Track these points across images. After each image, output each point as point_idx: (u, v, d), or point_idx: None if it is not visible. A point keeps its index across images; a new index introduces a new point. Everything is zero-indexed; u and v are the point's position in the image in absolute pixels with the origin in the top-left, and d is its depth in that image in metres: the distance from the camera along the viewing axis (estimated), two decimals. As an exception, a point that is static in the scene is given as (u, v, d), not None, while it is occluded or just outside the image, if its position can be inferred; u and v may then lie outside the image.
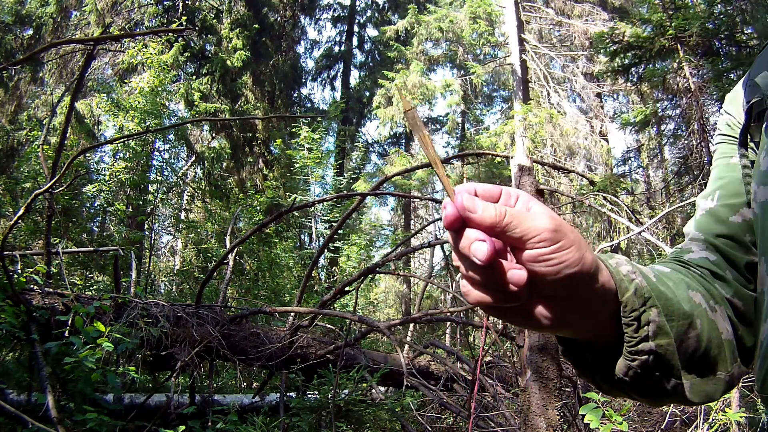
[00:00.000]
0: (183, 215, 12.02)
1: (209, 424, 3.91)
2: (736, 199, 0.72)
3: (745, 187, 0.70)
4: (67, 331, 3.54)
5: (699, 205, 0.76)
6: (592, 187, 7.73)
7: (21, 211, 3.66)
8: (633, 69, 8.95)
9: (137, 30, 10.75)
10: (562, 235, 0.48)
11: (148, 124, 8.40)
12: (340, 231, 8.05)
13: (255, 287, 9.12)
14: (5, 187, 8.50)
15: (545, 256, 0.47)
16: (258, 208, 10.08)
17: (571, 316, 0.52)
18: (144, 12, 11.37)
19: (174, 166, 10.53)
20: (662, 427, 4.25)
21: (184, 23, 11.07)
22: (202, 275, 8.82)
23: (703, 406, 3.54)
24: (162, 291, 10.14)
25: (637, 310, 0.53)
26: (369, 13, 18.91)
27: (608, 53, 8.82)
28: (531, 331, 3.40)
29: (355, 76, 18.21)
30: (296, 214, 10.44)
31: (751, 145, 0.70)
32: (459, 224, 0.47)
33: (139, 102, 8.59)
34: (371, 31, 18.50)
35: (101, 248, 6.41)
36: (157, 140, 9.61)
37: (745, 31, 8.02)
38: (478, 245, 0.46)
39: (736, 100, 0.77)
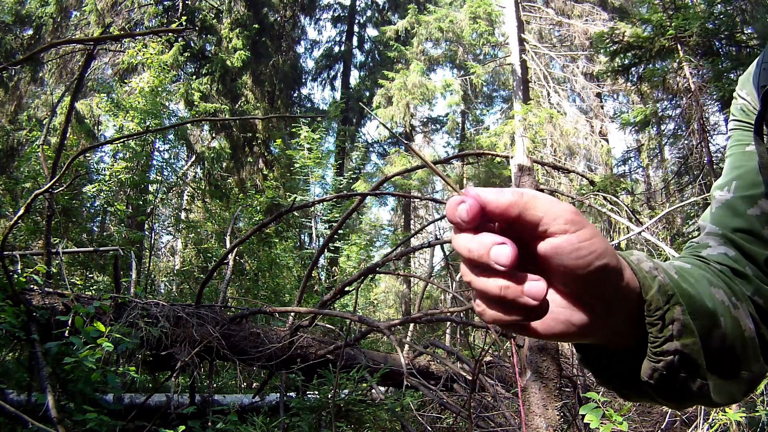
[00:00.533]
0: (183, 215, 12.02)
1: (209, 424, 3.91)
2: (753, 189, 0.68)
3: (762, 177, 0.67)
4: (67, 331, 3.54)
5: (714, 196, 0.72)
6: (592, 187, 7.73)
7: (21, 211, 3.66)
8: (633, 69, 8.96)
9: (137, 30, 10.75)
10: (584, 221, 0.43)
11: (148, 124, 8.40)
12: (340, 231, 8.05)
13: (255, 287, 9.12)
14: (5, 187, 8.50)
15: (575, 245, 0.42)
16: (258, 208, 10.09)
17: (598, 318, 0.47)
18: (144, 12, 11.37)
19: (174, 166, 10.54)
20: (662, 427, 4.25)
21: (184, 23, 11.07)
22: (202, 275, 8.82)
23: (702, 406, 3.54)
24: (162, 291, 10.15)
25: (662, 308, 0.49)
26: (369, 13, 18.93)
27: (608, 53, 8.82)
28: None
29: (355, 76, 18.24)
30: (296, 214, 10.44)
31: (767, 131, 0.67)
32: (480, 217, 0.42)
33: (139, 102, 8.60)
34: (371, 31, 18.53)
35: (101, 248, 6.41)
36: (157, 140, 9.62)
37: (745, 31, 8.02)
38: (498, 249, 0.41)
39: (749, 83, 0.73)
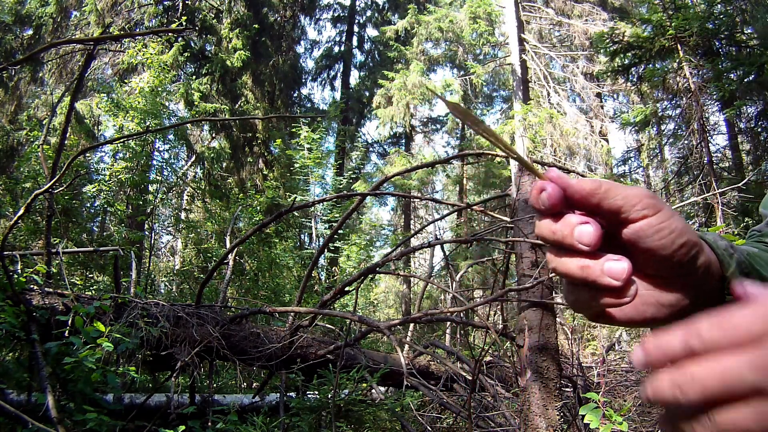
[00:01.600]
0: (183, 215, 12.02)
1: (209, 424, 3.91)
2: None
3: None
4: (67, 331, 3.54)
5: None
6: (592, 187, 7.71)
7: (21, 211, 3.65)
8: (633, 69, 8.96)
9: (137, 30, 10.75)
10: (661, 202, 0.44)
11: (148, 124, 8.40)
12: (340, 231, 8.04)
13: (255, 287, 9.12)
14: (5, 187, 8.50)
15: (655, 227, 0.43)
16: (258, 208, 10.08)
17: (686, 297, 0.47)
18: (144, 12, 11.38)
19: (174, 166, 10.53)
20: (662, 427, 4.24)
21: (184, 23, 11.07)
22: (202, 275, 8.82)
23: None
24: (162, 291, 10.14)
25: None
26: (369, 13, 18.93)
27: (608, 53, 8.83)
28: (531, 332, 3.40)
29: (355, 76, 18.25)
30: (296, 214, 10.44)
31: None
32: (561, 204, 0.43)
33: (139, 102, 8.59)
34: (371, 31, 18.54)
35: (101, 248, 6.40)
36: (157, 140, 9.61)
37: (745, 31, 8.02)
38: (582, 228, 0.41)
39: None
